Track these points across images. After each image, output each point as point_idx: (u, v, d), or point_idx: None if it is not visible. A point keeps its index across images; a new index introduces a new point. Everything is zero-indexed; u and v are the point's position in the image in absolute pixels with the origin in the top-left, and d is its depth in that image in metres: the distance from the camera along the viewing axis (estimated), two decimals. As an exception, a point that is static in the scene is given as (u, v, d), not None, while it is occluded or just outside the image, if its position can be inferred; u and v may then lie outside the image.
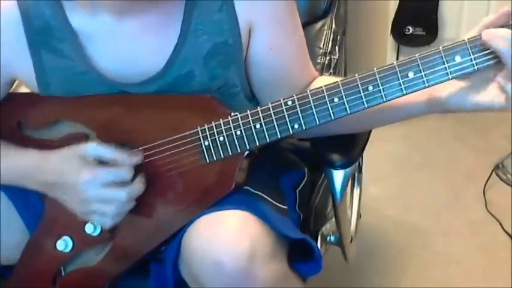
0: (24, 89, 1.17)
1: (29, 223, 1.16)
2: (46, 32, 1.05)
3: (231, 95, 1.10)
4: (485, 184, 2.23)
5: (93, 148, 1.02)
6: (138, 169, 1.04)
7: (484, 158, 2.37)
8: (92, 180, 1.00)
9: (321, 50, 1.52)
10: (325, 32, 1.54)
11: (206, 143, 1.01)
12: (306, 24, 1.48)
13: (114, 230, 1.08)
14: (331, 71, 1.49)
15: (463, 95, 0.93)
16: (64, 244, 1.10)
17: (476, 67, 0.89)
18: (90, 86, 1.07)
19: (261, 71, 1.11)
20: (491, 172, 2.28)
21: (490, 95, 0.90)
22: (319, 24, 1.55)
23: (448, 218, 2.12)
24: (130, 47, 1.06)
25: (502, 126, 2.52)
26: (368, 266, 1.94)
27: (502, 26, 0.88)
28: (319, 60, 1.50)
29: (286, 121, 0.97)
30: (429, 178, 2.31)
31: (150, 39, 1.06)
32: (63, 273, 1.13)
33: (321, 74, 1.47)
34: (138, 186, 1.03)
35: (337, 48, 1.53)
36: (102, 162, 1.02)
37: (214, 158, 1.01)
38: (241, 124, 0.99)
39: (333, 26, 1.55)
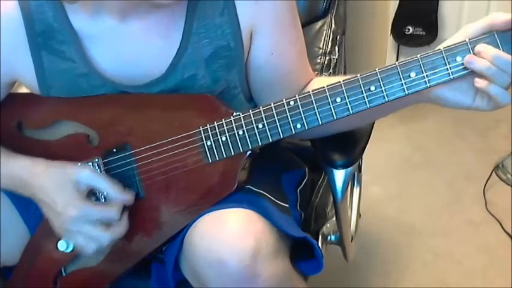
0: (24, 89, 1.16)
1: (30, 224, 1.16)
2: (48, 34, 1.05)
3: (232, 97, 1.11)
4: (485, 184, 2.23)
5: (87, 177, 1.03)
6: (139, 171, 1.05)
7: (484, 158, 2.36)
8: (78, 217, 1.01)
9: (321, 50, 1.51)
10: (324, 31, 1.54)
11: (208, 143, 1.01)
12: (306, 24, 1.48)
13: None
14: (330, 71, 1.49)
15: (447, 91, 0.94)
16: (65, 244, 1.09)
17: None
18: (92, 88, 1.06)
19: (261, 73, 1.11)
20: (491, 172, 2.28)
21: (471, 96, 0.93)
22: (318, 24, 1.55)
23: (448, 218, 2.12)
24: (132, 49, 1.06)
25: (502, 126, 2.52)
26: (368, 266, 1.94)
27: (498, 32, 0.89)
28: (318, 60, 1.50)
29: (289, 121, 0.97)
30: (429, 178, 2.31)
31: (152, 42, 1.06)
32: (64, 274, 1.13)
33: (321, 74, 1.47)
34: (122, 228, 1.04)
35: (336, 48, 1.53)
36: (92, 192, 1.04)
37: (217, 157, 1.02)
38: (243, 124, 0.99)
39: (333, 25, 1.54)
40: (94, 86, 1.06)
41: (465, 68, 0.90)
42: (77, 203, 1.01)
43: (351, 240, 1.43)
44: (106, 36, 1.05)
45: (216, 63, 1.06)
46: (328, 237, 1.37)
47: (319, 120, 0.96)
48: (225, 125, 1.00)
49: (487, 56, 0.88)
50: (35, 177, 1.05)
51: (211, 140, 1.01)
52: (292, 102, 0.97)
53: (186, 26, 1.04)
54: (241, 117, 0.99)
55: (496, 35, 0.89)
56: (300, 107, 0.97)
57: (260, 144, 1.00)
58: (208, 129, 1.01)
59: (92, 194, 1.05)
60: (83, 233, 1.02)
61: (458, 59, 0.90)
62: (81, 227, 1.01)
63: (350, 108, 0.95)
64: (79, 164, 1.06)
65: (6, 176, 1.07)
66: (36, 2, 1.04)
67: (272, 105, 0.98)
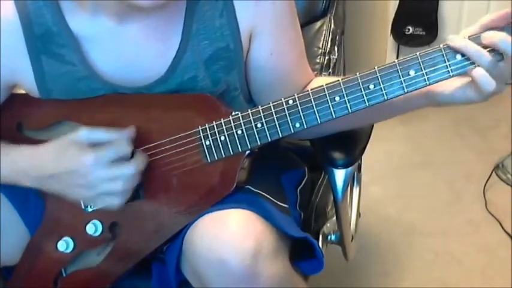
0: (24, 90, 1.16)
1: (30, 224, 1.16)
2: (47, 38, 1.04)
3: (232, 98, 1.11)
4: (485, 184, 2.23)
5: (85, 133, 1.02)
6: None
7: (484, 158, 2.36)
8: (95, 162, 0.99)
9: (320, 50, 1.51)
10: (324, 31, 1.54)
11: (207, 143, 1.01)
12: (305, 24, 1.48)
13: (115, 230, 1.08)
14: (330, 71, 1.49)
15: (457, 89, 0.94)
16: (65, 245, 1.10)
17: (476, 64, 0.89)
18: (92, 90, 1.06)
19: (261, 74, 1.11)
20: (491, 172, 2.28)
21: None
22: (318, 24, 1.55)
23: (448, 218, 2.12)
24: (131, 51, 1.06)
25: (502, 126, 2.52)
26: (368, 265, 1.94)
27: (499, 28, 0.89)
28: (318, 60, 1.50)
29: (288, 120, 0.97)
30: (429, 178, 2.31)
31: (151, 44, 1.05)
32: (64, 274, 1.13)
33: (320, 73, 1.47)
34: (142, 157, 1.03)
35: (336, 48, 1.53)
36: (95, 146, 1.01)
37: (216, 157, 1.02)
38: (242, 123, 0.99)
39: (332, 25, 1.54)
40: (94, 88, 1.06)
41: (465, 66, 0.90)
42: (87, 151, 1.00)
43: (351, 240, 1.43)
44: (105, 38, 1.05)
45: (215, 65, 1.06)
46: (329, 237, 1.37)
47: (318, 119, 0.96)
48: (223, 125, 1.00)
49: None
50: (39, 156, 1.04)
51: (210, 139, 1.01)
52: (291, 102, 0.97)
53: (185, 28, 1.04)
54: (240, 117, 0.99)
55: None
56: (299, 106, 0.97)
57: (259, 143, 1.00)
58: (207, 128, 1.01)
59: None
60: (107, 177, 1.00)
61: (458, 56, 0.90)
62: (102, 172, 0.99)
63: (349, 107, 0.95)
64: None
65: (7, 166, 1.07)
66: (35, 5, 1.03)
67: (271, 104, 0.98)
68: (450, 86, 0.94)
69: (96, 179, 1.00)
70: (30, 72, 1.06)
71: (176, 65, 1.05)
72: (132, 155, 1.02)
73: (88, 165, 0.99)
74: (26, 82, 1.08)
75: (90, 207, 1.09)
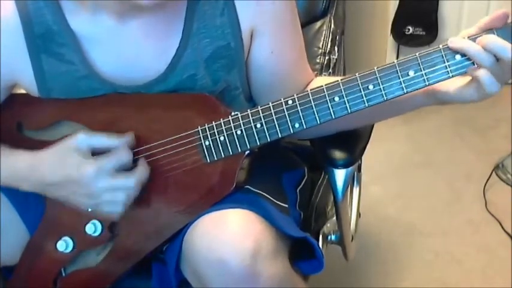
0: (24, 90, 1.16)
1: (30, 224, 1.16)
2: (47, 37, 1.04)
3: (232, 98, 1.11)
4: (485, 184, 2.23)
5: (84, 139, 1.02)
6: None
7: (484, 158, 2.37)
8: (96, 172, 0.99)
9: (320, 50, 1.51)
10: (324, 32, 1.54)
11: (207, 143, 1.01)
12: (305, 24, 1.48)
13: (115, 230, 1.08)
14: (330, 71, 1.49)
15: (462, 88, 0.94)
16: (64, 245, 1.10)
17: (476, 65, 0.89)
18: (92, 89, 1.06)
19: (262, 74, 1.11)
20: (491, 172, 2.28)
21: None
22: (318, 24, 1.55)
23: (448, 218, 2.12)
24: (131, 50, 1.06)
25: (502, 126, 2.52)
26: (368, 265, 1.94)
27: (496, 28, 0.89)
28: (318, 60, 1.50)
29: (287, 120, 0.97)
30: (429, 178, 2.31)
31: (151, 42, 1.05)
32: (63, 274, 1.13)
33: (320, 73, 1.47)
34: (144, 168, 1.03)
35: (336, 48, 1.53)
36: (96, 153, 1.02)
37: (215, 157, 1.02)
38: (241, 123, 0.99)
39: (332, 26, 1.54)
40: (93, 87, 1.06)
41: (464, 66, 0.90)
42: (88, 161, 1.00)
43: (351, 240, 1.43)
44: (105, 37, 1.05)
45: (216, 63, 1.06)
46: (329, 237, 1.37)
47: (318, 119, 0.96)
48: (223, 125, 1.00)
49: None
50: (39, 163, 1.04)
51: (210, 139, 1.01)
52: (290, 102, 0.97)
53: (185, 27, 1.04)
54: (240, 117, 0.99)
55: (495, 32, 0.89)
56: (299, 106, 0.97)
57: (258, 143, 1.00)
58: (207, 129, 1.01)
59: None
60: (109, 187, 1.00)
61: (457, 57, 0.90)
62: (104, 182, 0.99)
63: (348, 107, 0.95)
64: None
65: (7, 170, 1.07)
66: (35, 5, 1.04)
67: (270, 104, 0.98)
68: (451, 85, 0.94)
69: (98, 189, 1.00)
70: (30, 71, 1.07)
71: (176, 64, 1.05)
72: (134, 161, 1.03)
73: (90, 176, 0.99)
74: (26, 81, 1.08)
75: (90, 207, 1.09)
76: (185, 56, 1.05)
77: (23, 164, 1.06)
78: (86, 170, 0.99)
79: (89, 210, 1.07)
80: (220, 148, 1.01)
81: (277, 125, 0.98)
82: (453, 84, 0.94)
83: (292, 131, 0.98)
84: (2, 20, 1.04)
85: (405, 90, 0.92)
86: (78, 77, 1.06)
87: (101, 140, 1.02)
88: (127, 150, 1.02)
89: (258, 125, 0.99)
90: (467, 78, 0.93)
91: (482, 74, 0.89)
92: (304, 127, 0.97)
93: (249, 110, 0.99)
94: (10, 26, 1.04)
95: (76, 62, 1.05)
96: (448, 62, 0.90)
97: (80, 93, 1.07)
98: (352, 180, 1.46)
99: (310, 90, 0.96)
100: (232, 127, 1.00)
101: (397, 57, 2.61)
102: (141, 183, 1.02)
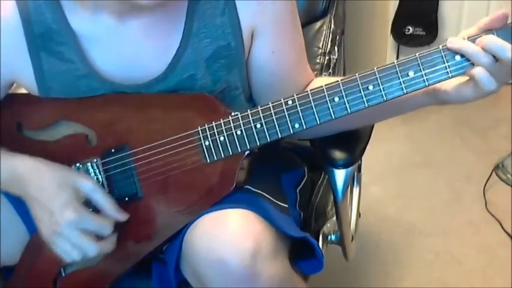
0: (23, 90, 1.16)
1: (29, 224, 1.15)
2: (47, 36, 1.04)
3: (233, 98, 1.11)
4: (485, 184, 2.23)
5: (89, 188, 1.03)
6: (138, 171, 1.05)
7: (484, 158, 2.36)
8: (74, 221, 1.00)
9: (320, 50, 1.51)
10: (324, 32, 1.54)
11: (206, 143, 1.01)
12: (305, 24, 1.48)
13: (114, 230, 1.07)
14: (330, 71, 1.49)
15: (459, 86, 0.94)
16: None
17: (475, 65, 0.89)
18: (91, 88, 1.06)
19: (262, 74, 1.11)
20: (491, 172, 2.28)
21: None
22: (318, 24, 1.55)
23: (448, 218, 2.12)
24: (132, 50, 1.06)
25: (502, 126, 2.52)
26: (368, 265, 1.94)
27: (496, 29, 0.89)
28: (318, 60, 1.50)
29: (287, 120, 0.97)
30: (429, 178, 2.31)
31: (152, 42, 1.06)
32: (63, 274, 1.13)
33: (320, 74, 1.47)
34: (111, 244, 1.04)
35: (336, 48, 1.53)
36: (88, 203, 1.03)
37: (215, 157, 1.02)
38: (241, 124, 0.99)
39: (332, 26, 1.54)
40: (93, 87, 1.06)
41: (464, 67, 0.90)
42: (76, 206, 1.01)
43: (351, 240, 1.43)
44: (105, 36, 1.05)
45: (216, 63, 1.06)
46: (329, 237, 1.37)
47: (318, 119, 0.96)
48: (223, 125, 1.00)
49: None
50: (36, 174, 1.04)
51: (210, 140, 1.01)
52: (290, 102, 0.97)
53: (186, 26, 1.04)
54: (240, 117, 0.99)
55: (495, 33, 0.89)
56: (298, 107, 0.97)
57: (258, 144, 1.00)
58: (207, 129, 1.01)
59: (86, 204, 1.04)
60: (72, 239, 1.00)
61: (457, 57, 0.90)
62: (73, 232, 1.00)
63: (348, 108, 0.95)
64: (80, 167, 1.08)
65: (5, 171, 1.06)
66: (35, 3, 1.04)
67: (270, 105, 0.98)
68: (449, 83, 0.95)
69: (63, 234, 1.00)
70: (30, 70, 1.07)
71: (176, 63, 1.05)
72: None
73: (65, 220, 1.00)
74: (26, 80, 1.09)
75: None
76: (185, 56, 1.05)
77: (21, 168, 1.05)
78: (67, 213, 1.00)
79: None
80: (220, 148, 1.01)
81: (277, 125, 0.98)
82: (451, 83, 0.94)
83: (292, 131, 0.98)
84: (2, 19, 1.04)
85: (405, 91, 0.92)
86: (78, 76, 1.06)
87: (103, 200, 1.03)
88: (112, 224, 1.02)
89: (258, 125, 0.99)
90: (464, 78, 0.93)
91: (479, 71, 0.89)
92: (304, 127, 0.97)
93: (248, 110, 0.99)
94: (10, 25, 1.04)
95: (76, 61, 1.05)
96: (448, 62, 0.90)
97: (79, 92, 1.07)
98: (352, 180, 1.46)
99: (310, 90, 0.96)
100: (232, 127, 1.00)
101: (397, 58, 2.62)
102: (99, 255, 1.03)
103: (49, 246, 1.04)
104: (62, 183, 1.02)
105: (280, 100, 0.97)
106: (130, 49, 1.06)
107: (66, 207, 1.00)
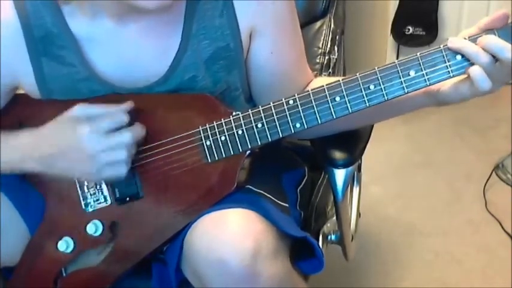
0: (25, 91, 1.16)
1: (30, 224, 1.16)
2: (47, 40, 1.04)
3: (233, 98, 1.11)
4: (485, 184, 2.23)
5: (81, 108, 1.02)
6: (139, 171, 1.05)
7: (484, 158, 2.36)
8: (91, 131, 0.99)
9: (320, 50, 1.51)
10: (324, 31, 1.54)
11: (208, 143, 1.01)
12: (305, 24, 1.48)
13: (115, 230, 1.08)
14: (330, 71, 1.49)
15: (456, 84, 0.94)
16: (65, 245, 1.10)
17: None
18: (92, 91, 1.06)
19: (261, 74, 1.11)
20: (491, 172, 2.28)
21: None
22: (317, 24, 1.55)
23: (448, 218, 2.12)
24: (131, 52, 1.06)
25: (502, 126, 2.52)
26: (368, 265, 1.94)
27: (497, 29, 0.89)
28: (318, 60, 1.50)
29: (288, 120, 0.97)
30: (429, 178, 2.31)
31: (151, 44, 1.06)
32: (64, 274, 1.13)
33: (320, 73, 1.47)
34: (139, 127, 1.02)
35: (336, 48, 1.53)
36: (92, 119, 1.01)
37: (216, 157, 1.02)
38: (242, 123, 0.99)
39: (332, 25, 1.54)
40: (94, 89, 1.06)
41: (465, 66, 0.90)
42: (82, 123, 1.00)
43: (351, 240, 1.43)
44: (105, 39, 1.05)
45: (216, 65, 1.06)
46: (329, 237, 1.37)
47: (319, 119, 0.97)
48: (224, 125, 1.00)
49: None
50: (40, 137, 1.04)
51: (211, 139, 1.01)
52: (291, 102, 0.97)
53: (185, 28, 1.04)
54: (241, 117, 0.99)
55: (496, 32, 0.89)
56: (299, 106, 0.97)
57: (259, 143, 1.00)
58: (208, 129, 1.01)
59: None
60: (106, 146, 0.99)
61: (458, 57, 0.90)
62: (100, 142, 0.99)
63: (349, 107, 0.95)
64: None
65: (8, 152, 1.06)
66: (34, 7, 1.03)
67: (271, 104, 0.98)
68: (447, 82, 0.95)
69: (95, 151, 0.99)
70: (31, 74, 1.07)
71: (176, 66, 1.05)
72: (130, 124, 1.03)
73: (84, 137, 0.99)
74: (27, 84, 1.09)
75: (91, 207, 1.09)
76: (185, 58, 1.05)
77: (25, 140, 1.05)
78: (80, 131, 0.99)
79: (90, 211, 1.07)
80: (221, 148, 1.01)
81: (278, 125, 0.98)
82: (449, 82, 0.95)
83: (293, 131, 0.98)
84: (2, 23, 1.04)
85: (406, 90, 0.92)
86: (79, 79, 1.06)
87: (98, 108, 1.02)
88: (123, 113, 1.01)
89: (259, 125, 0.99)
90: (462, 77, 0.93)
91: (475, 70, 0.89)
92: (305, 127, 0.97)
93: (250, 110, 0.99)
94: (10, 29, 1.04)
95: (76, 64, 1.05)
96: (449, 62, 0.90)
97: (80, 95, 1.07)
98: (352, 180, 1.46)
99: (311, 90, 0.96)
100: (234, 127, 1.00)
101: (397, 57, 2.61)
102: (137, 138, 1.02)
103: (103, 178, 1.03)
104: (61, 124, 1.02)
105: (282, 100, 0.97)
106: (130, 51, 1.06)
107: (77, 130, 0.99)
